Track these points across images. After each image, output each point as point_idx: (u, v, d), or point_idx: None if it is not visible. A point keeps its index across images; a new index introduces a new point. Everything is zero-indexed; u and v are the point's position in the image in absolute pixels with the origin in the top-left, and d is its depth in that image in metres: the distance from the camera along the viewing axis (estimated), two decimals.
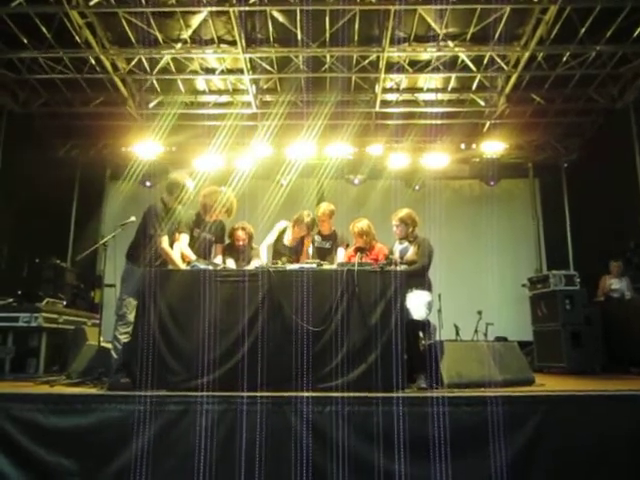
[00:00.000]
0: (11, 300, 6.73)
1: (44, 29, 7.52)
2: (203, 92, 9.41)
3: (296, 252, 5.83)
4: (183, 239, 5.18)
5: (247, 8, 7.12)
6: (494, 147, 9.97)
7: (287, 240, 5.89)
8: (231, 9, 6.99)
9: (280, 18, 7.54)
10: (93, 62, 8.31)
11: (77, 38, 7.60)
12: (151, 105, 9.38)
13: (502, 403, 3.87)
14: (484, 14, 7.35)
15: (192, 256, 5.09)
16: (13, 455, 3.83)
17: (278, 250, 5.84)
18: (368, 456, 3.76)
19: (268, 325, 4.42)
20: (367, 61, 8.35)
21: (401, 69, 8.54)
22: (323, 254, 5.74)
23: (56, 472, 3.79)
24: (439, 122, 9.78)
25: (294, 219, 5.83)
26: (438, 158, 10.02)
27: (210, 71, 8.73)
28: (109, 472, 3.77)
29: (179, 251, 5.04)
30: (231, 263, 5.57)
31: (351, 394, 4.01)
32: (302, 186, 10.18)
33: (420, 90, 9.31)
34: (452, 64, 8.49)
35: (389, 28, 7.33)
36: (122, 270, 4.83)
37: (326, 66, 8.40)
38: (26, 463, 3.81)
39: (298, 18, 7.43)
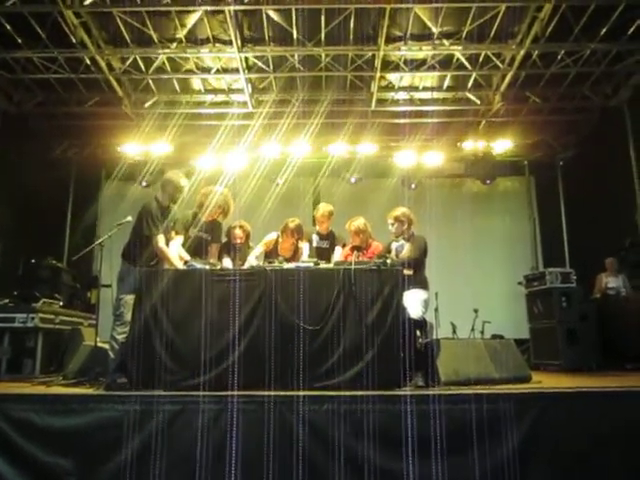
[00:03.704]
0: (7, 300, 6.73)
1: (39, 29, 7.49)
2: (199, 92, 9.39)
3: (292, 260, 5.70)
4: (178, 239, 5.18)
5: (242, 7, 7.14)
6: (490, 145, 9.97)
7: (280, 250, 5.77)
8: (226, 8, 7.00)
9: (275, 17, 7.54)
10: (88, 62, 8.28)
11: (72, 38, 7.58)
12: (146, 105, 9.36)
13: (499, 400, 3.88)
14: (479, 12, 7.37)
15: (186, 257, 5.09)
16: (10, 455, 3.81)
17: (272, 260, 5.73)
18: (365, 454, 3.76)
19: (265, 324, 4.40)
20: (363, 60, 8.34)
21: (397, 68, 8.55)
22: (321, 254, 5.72)
23: (53, 472, 3.78)
24: (435, 120, 9.79)
25: (280, 229, 5.74)
26: (434, 156, 10.03)
27: (206, 70, 8.72)
28: (106, 472, 3.76)
29: (176, 250, 5.04)
30: (228, 262, 5.56)
31: (348, 392, 4.00)
32: (298, 185, 10.16)
33: (416, 89, 9.30)
34: (448, 62, 8.51)
35: (384, 27, 7.36)
36: (118, 270, 4.84)
37: (322, 65, 8.40)
38: (23, 463, 3.80)
39: (294, 17, 7.44)
